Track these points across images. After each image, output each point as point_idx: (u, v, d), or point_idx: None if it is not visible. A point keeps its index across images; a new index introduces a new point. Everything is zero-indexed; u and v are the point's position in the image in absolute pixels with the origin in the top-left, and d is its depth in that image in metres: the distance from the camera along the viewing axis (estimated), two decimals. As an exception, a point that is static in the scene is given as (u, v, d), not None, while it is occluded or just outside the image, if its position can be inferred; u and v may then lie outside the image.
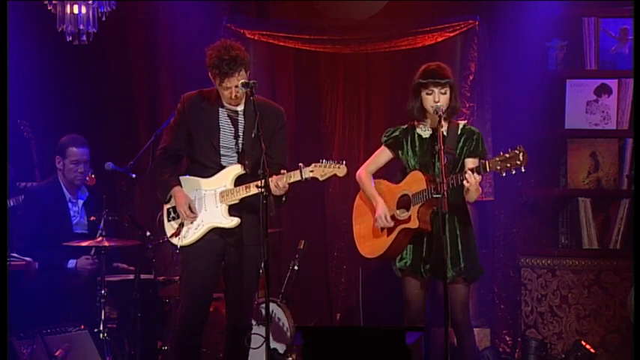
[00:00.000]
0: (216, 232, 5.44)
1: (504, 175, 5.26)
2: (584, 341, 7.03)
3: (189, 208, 5.42)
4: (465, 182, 5.30)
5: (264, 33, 7.43)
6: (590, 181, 7.34)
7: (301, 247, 6.99)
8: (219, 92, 5.43)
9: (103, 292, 6.31)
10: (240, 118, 5.48)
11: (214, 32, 7.27)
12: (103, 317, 6.29)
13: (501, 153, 5.25)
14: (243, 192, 5.36)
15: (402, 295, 5.65)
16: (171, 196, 5.49)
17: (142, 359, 6.33)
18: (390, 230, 5.59)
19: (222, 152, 5.45)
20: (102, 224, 6.45)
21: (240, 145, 5.46)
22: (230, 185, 5.42)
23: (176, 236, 5.49)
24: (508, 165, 5.21)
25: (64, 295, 6.58)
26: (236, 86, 5.33)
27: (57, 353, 6.03)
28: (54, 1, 6.37)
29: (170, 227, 5.54)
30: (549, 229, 7.48)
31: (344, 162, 5.30)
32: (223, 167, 5.46)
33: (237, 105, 5.47)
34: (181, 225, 5.49)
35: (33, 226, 6.69)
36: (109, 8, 6.48)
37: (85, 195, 6.89)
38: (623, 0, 7.30)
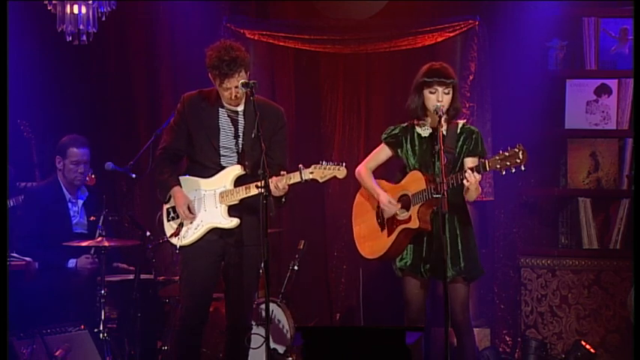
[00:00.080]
0: (215, 232, 5.44)
1: (504, 173, 5.26)
2: (584, 341, 7.03)
3: (188, 208, 5.42)
4: (464, 181, 5.30)
5: (264, 33, 7.43)
6: (590, 181, 7.35)
7: (301, 247, 6.98)
8: (219, 93, 5.43)
9: (103, 292, 6.31)
10: (240, 119, 5.48)
11: (214, 32, 7.27)
12: (103, 317, 6.29)
13: (501, 152, 5.25)
14: (242, 193, 5.36)
15: (402, 295, 5.65)
16: (170, 196, 5.49)
17: (141, 359, 6.33)
18: (390, 230, 5.59)
19: (222, 152, 5.45)
20: (102, 224, 6.45)
21: (240, 146, 5.46)
22: (230, 186, 5.42)
23: (175, 236, 5.49)
24: (508, 163, 5.21)
25: (64, 295, 6.58)
26: (236, 87, 5.33)
27: (57, 353, 6.03)
28: (54, 1, 6.37)
29: (169, 227, 5.54)
30: (549, 229, 7.48)
31: (344, 164, 5.29)
32: (223, 167, 5.46)
33: (237, 105, 5.47)
34: (181, 225, 5.49)
35: (33, 226, 6.69)
36: (109, 8, 6.48)
37: (84, 195, 6.89)
38: (623, 0, 7.30)
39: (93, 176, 6.84)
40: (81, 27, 6.40)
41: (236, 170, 5.43)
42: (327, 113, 7.67)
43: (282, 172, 5.28)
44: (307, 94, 7.70)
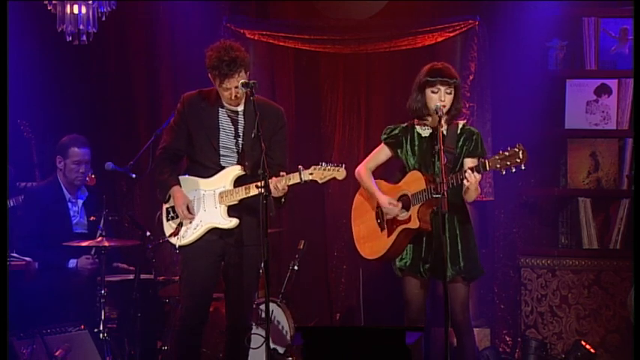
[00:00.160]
0: (215, 232, 5.44)
1: (504, 173, 5.26)
2: (584, 341, 7.03)
3: (188, 208, 5.42)
4: (465, 181, 5.29)
5: (264, 33, 7.43)
6: (590, 181, 7.35)
7: (301, 247, 6.99)
8: (219, 93, 5.43)
9: (103, 292, 6.31)
10: (240, 119, 5.48)
11: (214, 32, 7.27)
12: (103, 317, 6.29)
13: (501, 151, 5.25)
14: (242, 193, 5.36)
15: (402, 295, 5.65)
16: (170, 196, 5.49)
17: (141, 359, 6.33)
18: (390, 231, 5.59)
19: (221, 152, 5.45)
20: (102, 224, 6.45)
21: (240, 146, 5.46)
22: (229, 186, 5.42)
23: (175, 236, 5.49)
24: (508, 163, 5.21)
25: (64, 295, 6.58)
26: (236, 87, 5.33)
27: (57, 353, 6.03)
28: (54, 1, 6.37)
29: (169, 227, 5.54)
30: (549, 229, 7.48)
31: (343, 165, 5.29)
32: (223, 167, 5.46)
33: (237, 105, 5.47)
34: (180, 225, 5.49)
35: (33, 226, 6.69)
36: (109, 8, 6.48)
37: (84, 195, 6.89)
38: (623, 0, 7.30)
39: (93, 176, 6.84)
40: (81, 27, 6.39)
41: (236, 170, 5.43)
42: (327, 113, 7.67)
43: (281, 173, 5.28)
44: (307, 94, 7.70)
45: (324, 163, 5.27)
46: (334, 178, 5.28)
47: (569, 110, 7.34)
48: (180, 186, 5.48)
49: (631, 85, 7.20)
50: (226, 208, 5.42)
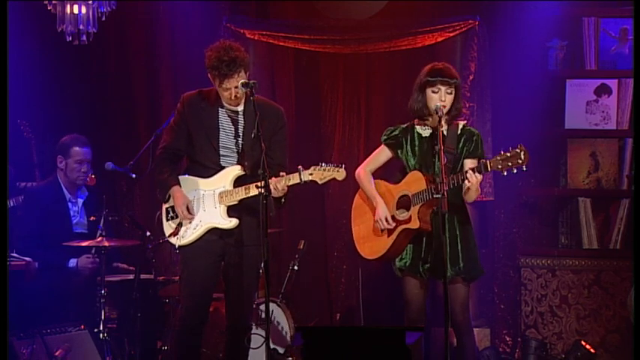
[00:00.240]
0: (215, 232, 5.44)
1: (505, 174, 5.26)
2: (584, 341, 7.03)
3: (187, 208, 5.42)
4: (466, 182, 5.29)
5: (264, 33, 7.43)
6: (590, 181, 7.35)
7: (301, 247, 6.99)
8: (219, 93, 5.43)
9: (103, 292, 6.31)
10: (240, 119, 5.48)
11: (214, 32, 7.27)
12: (103, 317, 6.29)
13: (502, 152, 5.24)
14: (242, 193, 5.36)
15: (402, 295, 5.65)
16: (169, 196, 5.49)
17: (141, 359, 6.33)
18: (390, 231, 5.58)
19: (221, 152, 5.45)
20: (102, 224, 6.45)
21: (240, 146, 5.46)
22: (229, 186, 5.42)
23: (174, 236, 5.49)
24: (509, 164, 5.20)
25: (64, 295, 6.58)
26: (236, 87, 5.32)
27: (57, 353, 6.03)
28: (54, 1, 6.37)
29: (168, 227, 5.54)
30: (549, 229, 7.48)
31: (343, 165, 5.28)
32: (223, 167, 5.45)
33: (236, 105, 5.47)
34: (180, 225, 5.49)
35: (33, 226, 6.69)
36: (109, 8, 6.48)
37: (84, 194, 6.89)
38: (623, 0, 7.30)
39: (93, 176, 6.85)
40: (81, 27, 6.39)
41: (235, 170, 5.43)
42: (327, 113, 7.67)
43: (281, 173, 5.28)
44: (307, 94, 7.70)
45: (323, 164, 5.26)
46: (334, 179, 5.28)
47: (569, 110, 7.34)
48: (180, 186, 5.48)
49: (631, 85, 7.20)
50: (226, 208, 5.42)
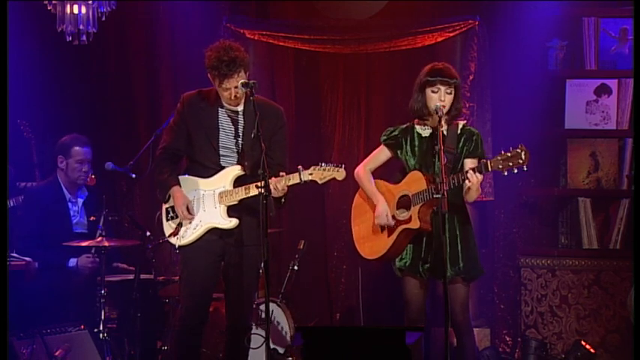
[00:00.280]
0: (215, 232, 5.44)
1: (506, 174, 5.25)
2: (584, 341, 7.03)
3: (187, 208, 5.42)
4: (466, 182, 5.29)
5: (264, 33, 7.43)
6: (590, 181, 7.35)
7: (301, 247, 6.99)
8: (219, 93, 5.43)
9: (103, 292, 6.31)
10: (240, 118, 5.48)
11: (214, 32, 7.27)
12: (103, 317, 6.29)
13: (503, 152, 5.24)
14: (242, 193, 5.36)
15: (402, 295, 5.65)
16: (169, 196, 5.49)
17: (141, 359, 6.33)
18: (390, 231, 5.58)
19: (221, 152, 5.45)
20: (102, 224, 6.45)
21: (240, 146, 5.46)
22: (229, 186, 5.42)
23: (174, 236, 5.49)
24: (510, 164, 5.20)
25: (64, 295, 6.58)
26: (235, 87, 5.32)
27: (57, 353, 6.03)
28: (54, 1, 6.37)
29: (168, 227, 5.54)
30: (549, 229, 7.48)
31: (343, 165, 5.28)
32: (223, 167, 5.45)
33: (236, 105, 5.47)
34: (180, 225, 5.49)
35: (33, 226, 6.69)
36: (109, 8, 6.48)
37: (84, 194, 6.89)
38: (623, 0, 7.30)
39: (93, 176, 6.85)
40: (81, 27, 6.40)
41: (235, 170, 5.43)
42: (327, 113, 7.67)
43: (281, 173, 5.28)
44: (307, 94, 7.70)
45: (323, 164, 5.26)
46: (334, 179, 5.27)
47: (569, 110, 7.35)
48: (180, 186, 5.48)
49: (631, 85, 7.20)
50: (226, 208, 5.42)
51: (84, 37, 6.43)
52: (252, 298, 5.66)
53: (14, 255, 6.38)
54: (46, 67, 7.51)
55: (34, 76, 7.39)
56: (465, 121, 5.78)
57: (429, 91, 5.49)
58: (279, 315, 6.64)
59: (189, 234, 5.45)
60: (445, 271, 5.19)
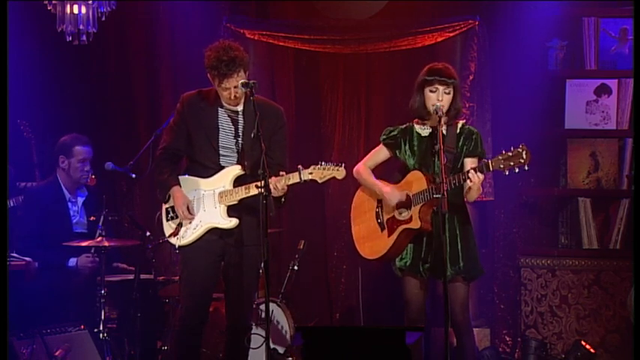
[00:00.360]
0: (215, 232, 5.44)
1: (507, 173, 5.25)
2: (584, 341, 7.03)
3: (188, 208, 5.42)
4: (468, 181, 5.29)
5: (264, 33, 7.43)
6: (590, 181, 7.35)
7: (301, 247, 6.98)
8: (219, 93, 5.43)
9: (103, 292, 6.31)
10: (240, 118, 5.48)
11: (214, 32, 7.27)
12: (103, 317, 6.29)
13: (504, 152, 5.24)
14: (242, 193, 5.36)
15: (402, 295, 5.65)
16: (169, 196, 5.49)
17: (141, 359, 6.33)
18: (391, 231, 5.58)
19: (221, 152, 5.45)
20: (102, 224, 6.45)
21: (240, 145, 5.45)
22: (229, 186, 5.42)
23: (174, 236, 5.49)
24: (511, 163, 5.20)
25: (64, 295, 6.58)
26: (235, 87, 5.32)
27: (57, 353, 6.03)
28: (54, 1, 6.37)
29: (168, 227, 5.54)
30: (549, 229, 7.48)
31: (343, 164, 5.29)
32: (223, 167, 5.45)
33: (236, 105, 5.46)
34: (180, 225, 5.48)
35: (33, 226, 6.69)
36: (109, 8, 6.48)
37: (84, 194, 6.89)
38: (623, 0, 7.30)
39: (93, 176, 6.85)
40: (81, 27, 6.40)
41: (235, 170, 5.43)
42: (327, 113, 7.67)
43: (281, 173, 5.28)
44: (307, 94, 7.70)
45: (323, 163, 5.26)
46: (334, 178, 5.28)
47: (569, 110, 7.34)
48: (180, 186, 5.48)
49: (631, 85, 7.20)
50: (226, 208, 5.42)
51: (84, 37, 6.43)
52: (252, 298, 5.66)
53: (14, 255, 6.38)
54: (46, 67, 7.51)
55: (34, 76, 7.39)
56: (465, 121, 5.79)
57: (427, 90, 5.50)
58: (279, 315, 6.64)
59: (189, 234, 5.45)
60: (445, 271, 5.19)
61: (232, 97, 5.37)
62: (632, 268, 6.28)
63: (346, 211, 5.96)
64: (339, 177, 5.28)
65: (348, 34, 7.40)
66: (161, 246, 6.49)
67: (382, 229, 5.63)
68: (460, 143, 5.55)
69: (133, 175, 6.58)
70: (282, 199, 5.34)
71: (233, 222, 5.40)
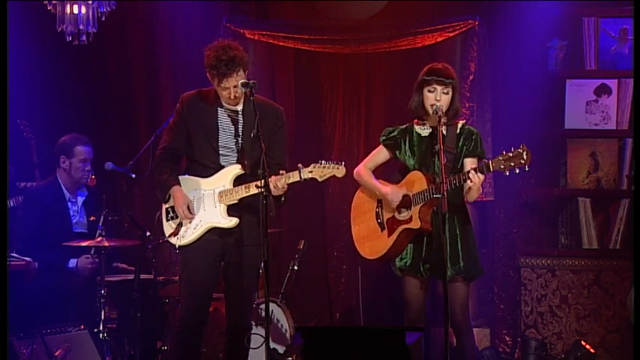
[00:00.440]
0: (215, 231, 5.44)
1: (507, 174, 5.25)
2: (584, 341, 7.03)
3: (188, 208, 5.42)
4: (468, 182, 5.29)
5: (264, 33, 7.43)
6: (590, 181, 7.35)
7: (301, 247, 6.98)
8: (218, 92, 5.43)
9: (102, 292, 6.31)
10: (240, 118, 5.48)
11: (214, 32, 7.27)
12: (103, 317, 6.29)
13: (504, 152, 5.24)
14: (242, 192, 5.36)
15: (402, 295, 5.65)
16: (170, 196, 5.49)
17: (141, 359, 6.33)
18: (391, 231, 5.58)
19: (221, 152, 5.45)
20: (102, 224, 6.45)
21: (240, 145, 5.46)
22: (229, 185, 5.42)
23: (174, 236, 5.49)
24: (512, 164, 5.20)
25: (64, 294, 6.58)
26: (235, 86, 5.32)
27: (57, 353, 6.03)
28: (54, 1, 6.37)
29: (168, 227, 5.54)
30: (549, 229, 7.48)
31: (343, 163, 5.29)
32: (222, 167, 5.45)
33: (235, 105, 5.46)
34: (180, 225, 5.48)
35: (33, 226, 6.69)
36: (109, 8, 6.48)
37: (84, 194, 6.89)
38: (623, 0, 7.30)
39: (93, 176, 6.85)
40: (81, 27, 6.40)
41: (235, 170, 5.43)
42: (327, 113, 7.67)
43: (281, 172, 5.28)
44: (307, 94, 7.70)
45: (323, 161, 5.26)
46: (334, 176, 5.28)
47: (569, 110, 7.35)
48: (180, 186, 5.48)
49: (631, 85, 7.20)
50: (226, 208, 5.42)
51: (84, 37, 6.43)
52: (252, 298, 5.66)
53: (14, 255, 6.38)
54: (46, 67, 7.51)
55: (34, 76, 7.39)
56: (465, 121, 5.79)
57: (425, 90, 5.50)
58: (279, 315, 6.64)
59: (189, 234, 5.45)
60: (445, 271, 5.19)
61: (232, 97, 5.37)
62: (632, 268, 6.28)
63: (346, 211, 5.96)
64: (339, 175, 5.28)
65: (348, 34, 7.41)
66: (161, 246, 6.49)
67: (382, 229, 5.63)
68: (460, 143, 5.55)
69: (133, 175, 6.58)
70: (282, 199, 5.34)
71: (233, 221, 5.40)
